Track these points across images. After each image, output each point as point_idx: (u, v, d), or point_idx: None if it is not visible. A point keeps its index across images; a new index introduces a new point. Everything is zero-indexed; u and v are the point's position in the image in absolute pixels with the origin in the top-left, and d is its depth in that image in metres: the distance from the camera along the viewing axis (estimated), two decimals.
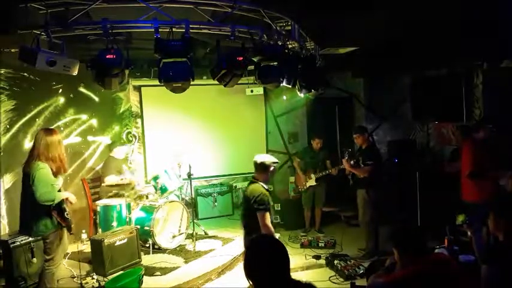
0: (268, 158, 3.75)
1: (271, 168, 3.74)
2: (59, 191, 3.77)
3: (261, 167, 3.72)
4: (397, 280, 2.56)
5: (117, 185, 5.58)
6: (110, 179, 5.68)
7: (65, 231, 3.87)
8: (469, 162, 4.46)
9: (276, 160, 3.82)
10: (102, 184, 5.82)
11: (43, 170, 3.59)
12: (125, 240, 4.89)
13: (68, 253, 5.33)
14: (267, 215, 3.51)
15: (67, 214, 3.76)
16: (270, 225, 3.51)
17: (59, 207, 3.73)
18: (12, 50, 4.53)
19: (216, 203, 7.38)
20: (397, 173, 6.24)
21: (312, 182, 6.36)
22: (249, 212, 3.61)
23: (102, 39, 3.72)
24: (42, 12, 3.69)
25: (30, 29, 3.71)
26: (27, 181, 3.61)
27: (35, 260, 4.38)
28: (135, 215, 5.57)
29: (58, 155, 3.72)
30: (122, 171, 5.84)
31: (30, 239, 4.26)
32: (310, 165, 6.46)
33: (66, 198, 3.83)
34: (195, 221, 5.96)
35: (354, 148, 6.11)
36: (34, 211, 3.66)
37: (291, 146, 8.15)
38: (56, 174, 3.72)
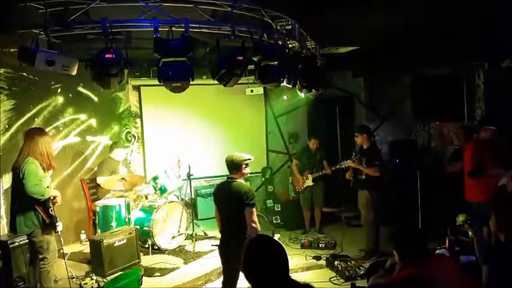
0: (238, 156, 3.70)
1: (244, 166, 3.69)
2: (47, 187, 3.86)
3: (232, 166, 3.68)
4: (398, 281, 2.55)
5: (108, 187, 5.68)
6: (101, 180, 5.74)
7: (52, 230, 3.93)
8: (471, 161, 4.45)
9: (249, 157, 3.74)
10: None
11: (32, 164, 3.72)
12: (124, 241, 4.87)
13: (67, 253, 5.33)
14: (255, 211, 3.53)
15: (51, 211, 3.82)
16: (257, 222, 3.52)
17: (45, 203, 3.80)
18: (11, 50, 4.52)
19: None
20: (398, 174, 6.22)
21: (309, 182, 6.35)
22: (239, 210, 3.52)
23: (101, 39, 3.70)
24: (41, 12, 3.67)
25: (29, 29, 3.68)
26: (17, 178, 3.73)
27: None
28: (134, 216, 5.55)
29: (47, 153, 3.86)
30: (116, 172, 5.83)
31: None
32: (307, 165, 6.45)
33: (54, 197, 3.91)
34: (194, 221, 5.94)
35: (355, 148, 6.09)
36: (21, 208, 3.77)
37: (291, 146, 8.13)
38: (45, 170, 3.85)
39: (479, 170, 4.35)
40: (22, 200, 3.74)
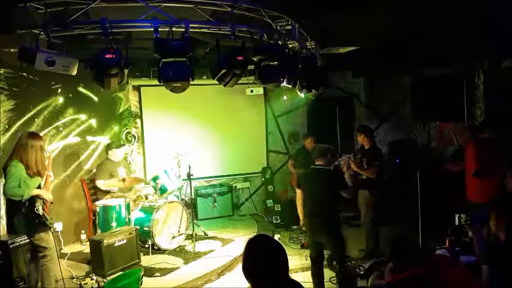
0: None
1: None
2: (39, 188, 3.89)
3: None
4: (401, 281, 2.55)
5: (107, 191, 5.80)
6: (100, 183, 5.76)
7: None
8: (474, 161, 4.42)
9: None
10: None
11: (15, 167, 3.75)
12: (124, 241, 4.87)
13: (67, 254, 5.33)
14: None
15: (37, 210, 3.80)
16: None
17: (30, 203, 3.80)
18: (12, 50, 4.52)
19: (215, 204, 7.36)
20: (398, 173, 6.22)
21: None
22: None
23: (101, 39, 3.71)
24: (41, 12, 3.68)
25: (29, 29, 3.70)
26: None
27: None
28: (134, 216, 5.55)
29: (36, 159, 3.86)
30: (115, 175, 5.81)
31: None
32: (303, 165, 6.43)
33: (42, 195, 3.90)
34: (194, 221, 5.94)
35: (355, 148, 6.09)
36: (12, 209, 3.80)
37: (291, 146, 8.13)
38: (35, 175, 3.85)
39: (485, 171, 4.31)
40: (11, 201, 3.77)
